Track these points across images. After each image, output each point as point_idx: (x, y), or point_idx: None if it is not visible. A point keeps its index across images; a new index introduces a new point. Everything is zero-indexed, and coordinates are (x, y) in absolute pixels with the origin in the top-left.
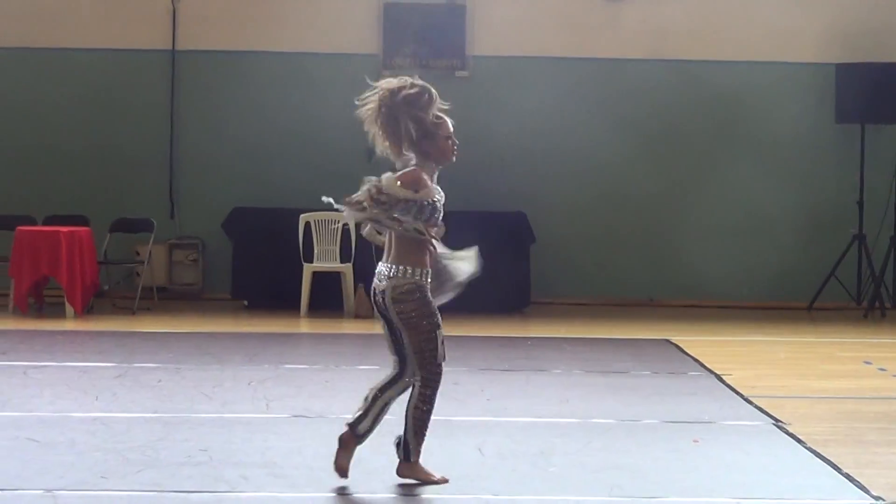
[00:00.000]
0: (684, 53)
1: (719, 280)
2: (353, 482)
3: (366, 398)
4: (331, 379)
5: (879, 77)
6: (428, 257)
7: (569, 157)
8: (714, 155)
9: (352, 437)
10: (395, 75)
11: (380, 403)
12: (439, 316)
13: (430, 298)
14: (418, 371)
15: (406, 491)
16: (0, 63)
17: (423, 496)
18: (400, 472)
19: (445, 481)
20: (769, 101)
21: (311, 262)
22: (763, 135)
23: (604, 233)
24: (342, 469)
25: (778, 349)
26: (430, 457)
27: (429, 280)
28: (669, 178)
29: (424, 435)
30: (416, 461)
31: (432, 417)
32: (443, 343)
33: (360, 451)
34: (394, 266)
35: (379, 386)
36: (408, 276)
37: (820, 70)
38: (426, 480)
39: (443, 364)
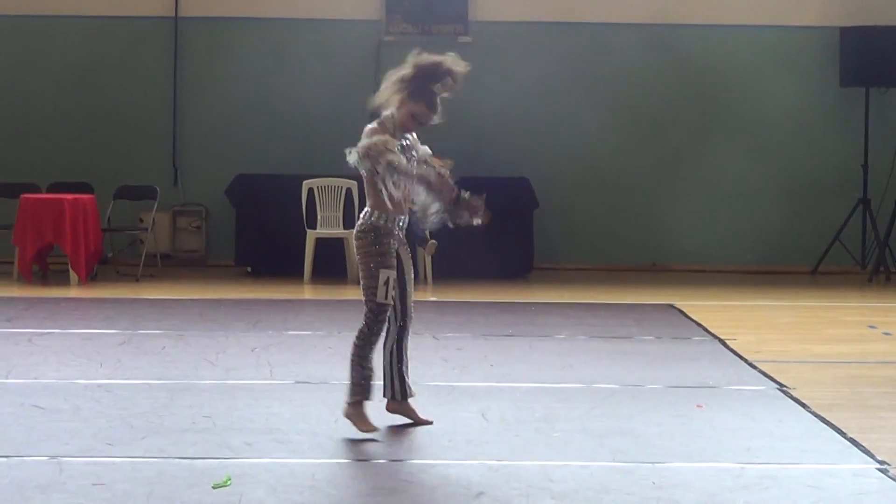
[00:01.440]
0: (689, 18)
1: (723, 245)
2: (355, 448)
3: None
4: (334, 345)
5: (884, 40)
6: (388, 202)
7: (572, 123)
8: (719, 120)
9: (392, 403)
10: (396, 42)
11: (385, 359)
12: (393, 259)
13: (386, 241)
14: (365, 307)
15: (408, 455)
16: (2, 31)
17: (427, 461)
18: (344, 412)
19: (375, 430)
20: (775, 66)
21: (315, 228)
22: (769, 100)
23: (607, 198)
24: (421, 421)
25: (782, 314)
26: (435, 422)
27: (394, 223)
28: (672, 144)
29: (358, 376)
30: (355, 403)
31: (379, 366)
32: (387, 285)
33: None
34: (364, 210)
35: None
36: (366, 217)
37: (824, 34)
38: (360, 427)
39: (385, 305)
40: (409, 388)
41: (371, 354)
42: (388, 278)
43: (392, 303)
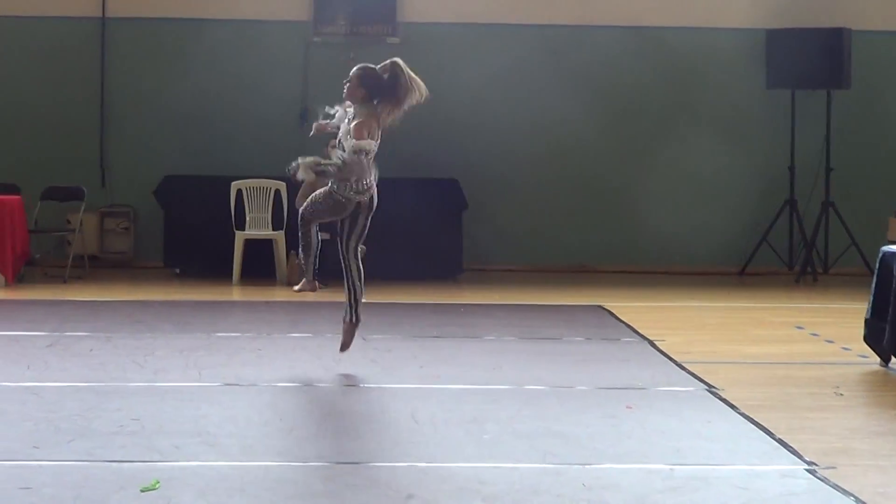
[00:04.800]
0: (618, 19)
1: (652, 246)
2: (285, 450)
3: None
4: (263, 347)
5: (810, 42)
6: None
7: (501, 125)
8: (650, 120)
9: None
10: (325, 42)
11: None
12: (321, 208)
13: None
14: None
15: (340, 459)
16: None
17: (356, 463)
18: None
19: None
20: (703, 67)
21: (243, 229)
22: (697, 100)
23: (537, 200)
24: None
25: (710, 314)
26: (363, 422)
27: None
28: (603, 144)
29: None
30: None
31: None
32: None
33: (294, 418)
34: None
35: None
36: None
37: (750, 35)
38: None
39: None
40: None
41: None
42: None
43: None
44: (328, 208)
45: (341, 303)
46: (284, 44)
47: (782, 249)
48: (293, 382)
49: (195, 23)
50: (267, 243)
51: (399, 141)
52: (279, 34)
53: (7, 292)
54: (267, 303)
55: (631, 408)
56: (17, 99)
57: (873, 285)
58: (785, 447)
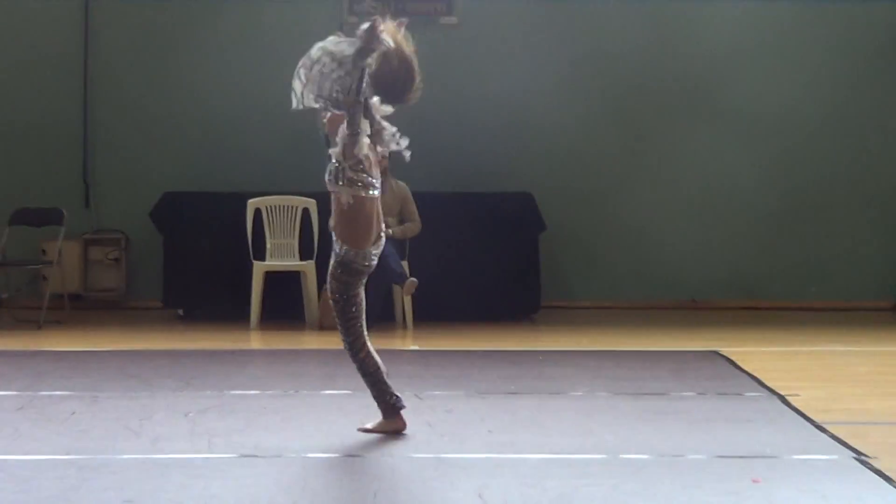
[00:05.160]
0: None
1: (779, 276)
2: None
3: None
4: (289, 407)
5: None
6: None
7: (584, 124)
8: (787, 133)
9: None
10: (363, 23)
11: None
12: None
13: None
14: None
15: None
16: None
17: None
18: None
19: None
20: None
21: (264, 259)
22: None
23: (633, 218)
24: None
25: (858, 362)
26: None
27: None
28: (718, 148)
29: None
30: None
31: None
32: None
33: (329, 498)
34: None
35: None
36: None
37: None
38: None
39: None
40: None
41: None
42: None
43: None
44: (356, 279)
45: (388, 350)
46: (312, 26)
47: None
48: (327, 453)
49: (199, 3)
50: (293, 277)
51: (456, 144)
52: (305, 14)
53: None
54: (293, 352)
55: (758, 481)
56: None
57: None
58: None
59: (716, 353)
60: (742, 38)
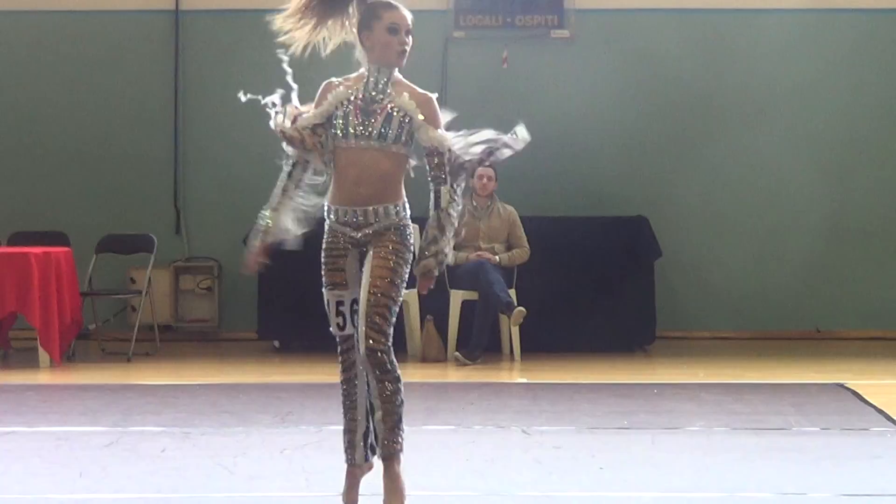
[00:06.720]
0: None
1: None
2: None
3: None
4: None
5: None
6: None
7: (704, 143)
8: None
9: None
10: (469, 37)
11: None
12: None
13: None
14: None
15: None
16: None
17: None
18: None
19: None
20: None
21: None
22: None
23: (754, 243)
24: None
25: None
26: None
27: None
28: (849, 167)
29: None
30: None
31: None
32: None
33: None
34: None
35: None
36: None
37: None
38: None
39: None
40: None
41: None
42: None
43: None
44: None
45: (480, 384)
46: (416, 39)
47: None
48: (429, 491)
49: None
50: None
51: (564, 163)
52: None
53: (53, 374)
54: None
55: None
56: (64, 124)
57: None
58: None
59: (841, 385)
60: None
